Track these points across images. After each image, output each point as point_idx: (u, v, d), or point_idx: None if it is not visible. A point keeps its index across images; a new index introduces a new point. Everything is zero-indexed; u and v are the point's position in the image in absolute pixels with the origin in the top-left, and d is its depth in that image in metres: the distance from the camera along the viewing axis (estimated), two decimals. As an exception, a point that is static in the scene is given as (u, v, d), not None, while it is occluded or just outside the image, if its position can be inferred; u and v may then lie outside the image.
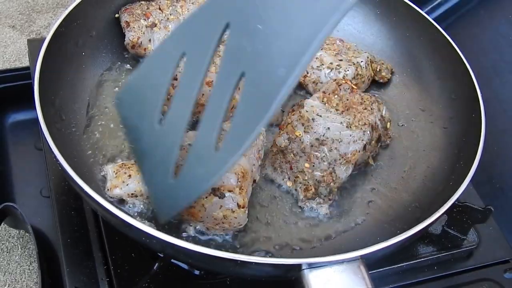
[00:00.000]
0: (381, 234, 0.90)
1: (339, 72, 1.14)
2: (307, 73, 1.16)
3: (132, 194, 0.93)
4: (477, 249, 1.08)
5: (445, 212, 0.88)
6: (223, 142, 0.74)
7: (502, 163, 1.28)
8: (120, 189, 0.93)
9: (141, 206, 0.94)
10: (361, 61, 1.17)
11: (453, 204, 0.89)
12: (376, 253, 0.80)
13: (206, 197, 0.87)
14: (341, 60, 1.17)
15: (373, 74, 1.21)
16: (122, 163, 0.97)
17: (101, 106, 1.08)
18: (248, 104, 0.73)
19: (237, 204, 0.88)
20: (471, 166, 0.93)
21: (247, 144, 0.73)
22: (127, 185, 0.93)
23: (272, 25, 0.71)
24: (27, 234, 1.17)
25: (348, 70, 1.14)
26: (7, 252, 1.15)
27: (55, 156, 0.86)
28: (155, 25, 1.14)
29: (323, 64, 1.16)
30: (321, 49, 1.15)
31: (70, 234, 1.00)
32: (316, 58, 1.16)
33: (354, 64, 1.16)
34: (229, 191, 0.88)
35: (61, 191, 1.06)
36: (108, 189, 0.94)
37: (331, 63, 1.16)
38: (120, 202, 0.94)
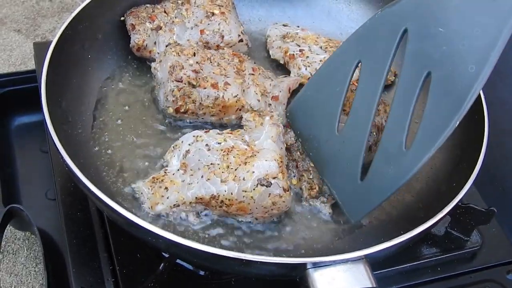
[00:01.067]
0: (384, 234, 0.90)
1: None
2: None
3: (174, 205, 0.91)
4: (480, 250, 1.08)
5: (448, 213, 0.88)
6: (415, 139, 0.79)
7: (505, 165, 1.28)
8: (162, 204, 0.91)
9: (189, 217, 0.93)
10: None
11: (456, 205, 0.89)
12: (380, 253, 0.81)
13: (254, 189, 0.88)
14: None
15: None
16: (153, 177, 0.95)
17: (107, 108, 1.08)
18: (438, 102, 0.78)
19: (283, 188, 0.89)
20: (474, 167, 0.94)
21: (441, 140, 0.77)
22: (167, 198, 0.91)
23: (453, 27, 0.76)
24: (32, 236, 1.17)
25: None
26: (13, 254, 1.15)
27: (62, 157, 0.87)
28: (160, 28, 1.15)
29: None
30: (325, 52, 1.15)
31: (76, 235, 1.01)
32: (321, 60, 1.16)
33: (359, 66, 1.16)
34: (274, 178, 0.89)
35: (67, 193, 1.06)
36: (149, 208, 0.91)
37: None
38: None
